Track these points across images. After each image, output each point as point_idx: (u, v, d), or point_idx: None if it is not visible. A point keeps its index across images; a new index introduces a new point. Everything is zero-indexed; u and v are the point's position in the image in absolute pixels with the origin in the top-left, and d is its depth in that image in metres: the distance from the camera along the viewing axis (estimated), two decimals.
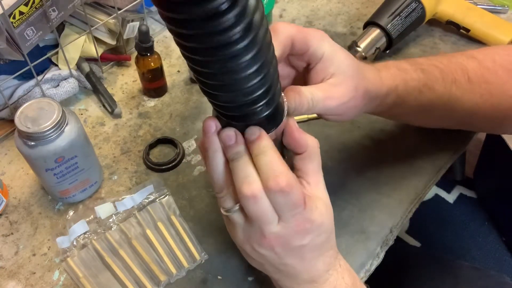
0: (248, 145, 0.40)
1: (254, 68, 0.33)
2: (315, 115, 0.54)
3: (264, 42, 0.32)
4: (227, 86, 0.34)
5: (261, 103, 0.36)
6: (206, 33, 0.29)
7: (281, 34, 0.43)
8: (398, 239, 0.58)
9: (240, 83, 0.33)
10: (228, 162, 0.41)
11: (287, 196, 0.38)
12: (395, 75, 0.51)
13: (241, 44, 0.30)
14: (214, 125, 0.40)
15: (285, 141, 0.42)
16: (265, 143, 0.39)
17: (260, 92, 0.35)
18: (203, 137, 0.41)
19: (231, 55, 0.31)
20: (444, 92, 0.52)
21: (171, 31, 0.30)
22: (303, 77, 0.48)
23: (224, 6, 0.27)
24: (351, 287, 0.45)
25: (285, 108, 0.41)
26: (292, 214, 0.39)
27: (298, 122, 0.43)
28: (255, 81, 0.34)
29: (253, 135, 0.39)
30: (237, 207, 0.41)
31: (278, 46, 0.43)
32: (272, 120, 0.40)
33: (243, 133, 0.40)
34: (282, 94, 0.41)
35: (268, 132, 0.40)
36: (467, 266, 0.75)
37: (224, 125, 0.40)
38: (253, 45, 0.31)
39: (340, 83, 0.45)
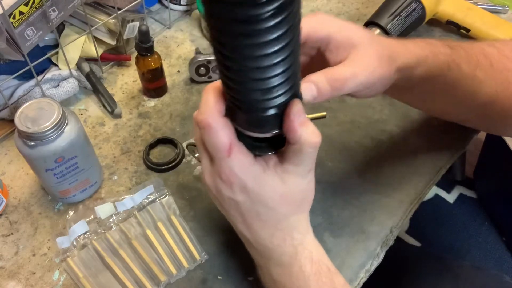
0: None
1: (284, 58, 0.33)
2: (322, 114, 0.53)
3: (297, 34, 0.33)
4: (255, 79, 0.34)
5: (282, 91, 0.36)
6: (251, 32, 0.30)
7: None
8: (398, 239, 0.58)
9: (267, 72, 0.33)
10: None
11: (208, 135, 0.39)
12: (423, 46, 0.49)
13: (283, 40, 0.31)
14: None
15: (284, 127, 0.39)
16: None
17: (283, 81, 0.35)
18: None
19: (268, 50, 0.31)
20: (469, 73, 0.51)
21: (214, 28, 0.31)
22: (320, 61, 0.46)
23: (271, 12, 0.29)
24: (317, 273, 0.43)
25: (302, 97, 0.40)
26: (216, 157, 0.40)
27: None
28: (281, 69, 0.34)
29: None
30: None
31: None
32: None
33: (245, 122, 0.39)
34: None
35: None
36: (468, 265, 0.75)
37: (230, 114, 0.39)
38: (290, 42, 0.32)
39: (362, 55, 0.43)
